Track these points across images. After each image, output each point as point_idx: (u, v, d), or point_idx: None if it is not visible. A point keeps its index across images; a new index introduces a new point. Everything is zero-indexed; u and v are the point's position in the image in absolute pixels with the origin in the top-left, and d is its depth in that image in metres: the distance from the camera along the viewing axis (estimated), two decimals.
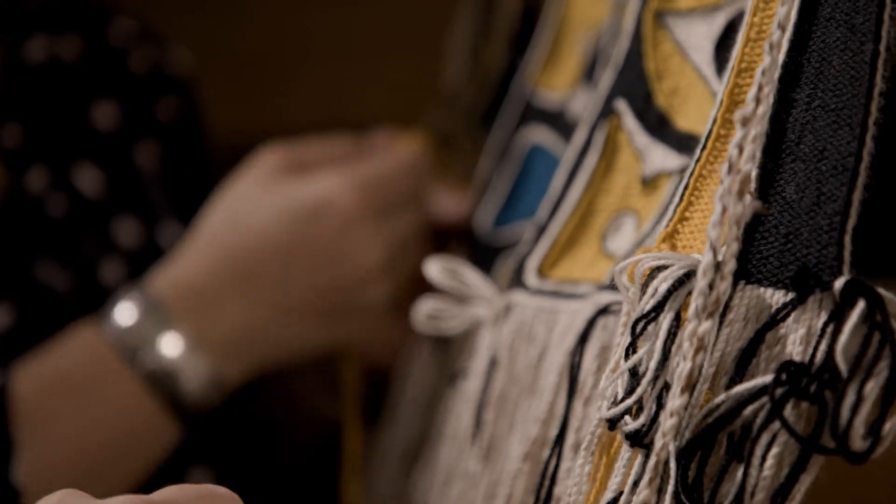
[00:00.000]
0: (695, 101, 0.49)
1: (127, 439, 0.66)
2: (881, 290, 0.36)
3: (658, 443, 0.38)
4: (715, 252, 0.39)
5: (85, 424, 0.64)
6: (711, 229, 0.39)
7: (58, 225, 0.71)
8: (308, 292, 0.67)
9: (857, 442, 0.34)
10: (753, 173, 0.40)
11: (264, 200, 0.67)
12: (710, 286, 0.38)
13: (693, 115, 0.49)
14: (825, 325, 0.37)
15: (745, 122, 0.40)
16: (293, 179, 0.67)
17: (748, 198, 0.40)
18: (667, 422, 0.38)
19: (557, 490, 0.48)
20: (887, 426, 0.34)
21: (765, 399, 0.37)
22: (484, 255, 0.67)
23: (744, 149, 0.40)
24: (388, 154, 0.71)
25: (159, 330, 0.65)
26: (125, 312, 0.66)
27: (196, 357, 0.65)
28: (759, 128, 0.40)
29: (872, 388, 0.34)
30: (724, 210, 0.39)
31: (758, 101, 0.41)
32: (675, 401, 0.38)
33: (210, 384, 0.66)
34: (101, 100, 0.75)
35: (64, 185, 0.72)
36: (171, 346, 0.65)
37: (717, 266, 0.39)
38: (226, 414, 0.72)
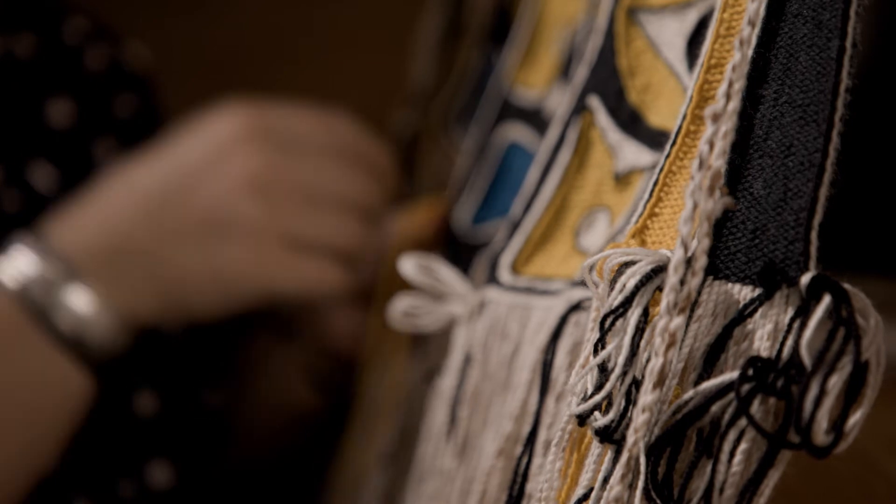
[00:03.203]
0: (667, 97, 0.49)
1: (37, 398, 0.63)
2: (847, 286, 0.36)
3: (630, 438, 0.38)
4: (686, 248, 0.39)
5: None
6: (682, 225, 0.39)
7: (12, 221, 0.70)
8: (179, 209, 0.65)
9: (820, 436, 0.34)
10: (723, 169, 0.40)
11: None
12: (682, 282, 0.38)
13: (665, 112, 0.49)
14: (792, 320, 0.37)
15: (716, 118, 0.40)
16: None
17: (718, 194, 0.40)
18: (639, 418, 0.38)
19: (530, 487, 0.48)
20: (850, 421, 0.34)
21: (732, 395, 0.37)
22: (462, 253, 0.66)
23: (714, 145, 0.40)
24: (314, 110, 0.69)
25: (66, 284, 0.63)
26: (28, 263, 0.63)
27: (106, 311, 0.63)
28: (729, 124, 0.40)
29: (836, 382, 0.34)
30: (695, 206, 0.39)
31: (728, 97, 0.41)
32: (646, 396, 0.38)
33: (120, 332, 0.64)
34: (57, 97, 0.75)
35: (18, 182, 0.71)
36: (80, 301, 0.63)
37: (688, 262, 0.39)
38: (185, 405, 0.71)
